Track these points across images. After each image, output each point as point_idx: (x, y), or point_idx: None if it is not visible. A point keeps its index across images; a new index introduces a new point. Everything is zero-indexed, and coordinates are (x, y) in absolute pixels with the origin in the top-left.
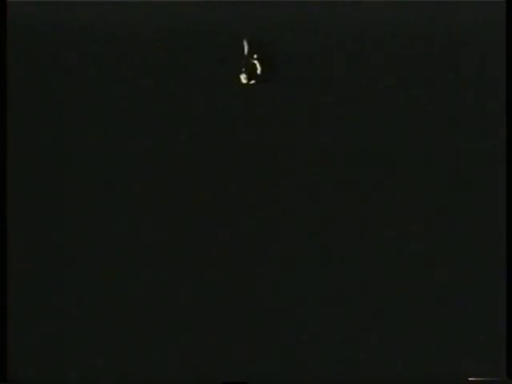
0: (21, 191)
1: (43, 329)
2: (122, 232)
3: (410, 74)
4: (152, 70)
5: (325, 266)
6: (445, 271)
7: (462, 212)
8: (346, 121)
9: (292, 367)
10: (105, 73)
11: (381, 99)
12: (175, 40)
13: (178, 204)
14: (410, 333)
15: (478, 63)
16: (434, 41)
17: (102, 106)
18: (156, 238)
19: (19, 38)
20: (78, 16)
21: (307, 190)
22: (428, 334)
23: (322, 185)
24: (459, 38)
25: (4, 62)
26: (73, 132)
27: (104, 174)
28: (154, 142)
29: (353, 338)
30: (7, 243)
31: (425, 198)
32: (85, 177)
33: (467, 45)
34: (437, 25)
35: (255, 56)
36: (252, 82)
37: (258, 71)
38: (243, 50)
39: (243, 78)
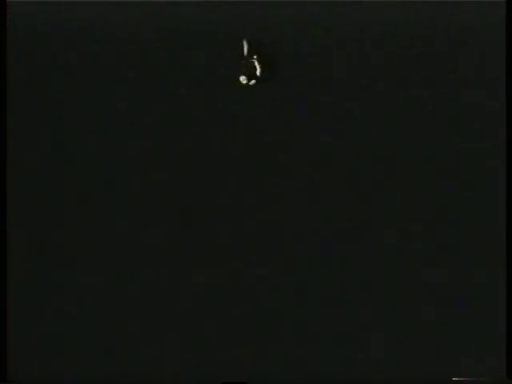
0: (21, 191)
1: (43, 329)
2: (121, 232)
3: (409, 74)
4: (152, 69)
5: (325, 266)
6: (445, 271)
7: (462, 212)
8: (346, 121)
9: (292, 367)
10: (105, 73)
11: (381, 99)
12: (175, 40)
13: (177, 204)
14: (410, 333)
15: (478, 63)
16: (433, 41)
17: (101, 106)
18: (156, 238)
19: (19, 38)
20: (78, 16)
21: (307, 189)
22: (428, 334)
23: (322, 185)
24: (459, 38)
25: (4, 61)
26: (73, 132)
27: (104, 174)
28: (154, 142)
29: (353, 337)
30: (7, 243)
31: (425, 197)
32: (85, 177)
33: (467, 45)
34: (437, 25)
35: (255, 56)
36: (252, 82)
37: (258, 72)
38: (243, 51)
39: (243, 79)
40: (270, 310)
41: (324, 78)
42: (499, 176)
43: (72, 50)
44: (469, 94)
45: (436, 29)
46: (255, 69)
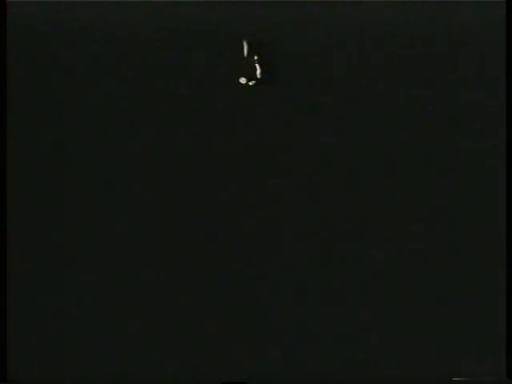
0: (21, 191)
1: (43, 329)
2: (121, 232)
3: (409, 74)
4: (152, 69)
5: (325, 266)
6: (445, 271)
7: (462, 212)
8: (346, 121)
9: (292, 367)
10: (105, 73)
11: (381, 99)
12: (175, 40)
13: (177, 204)
14: (410, 333)
15: (478, 63)
16: (433, 41)
17: (101, 106)
18: (156, 238)
19: (19, 38)
20: (78, 16)
21: (307, 189)
22: (428, 333)
23: (322, 185)
24: (459, 38)
25: (4, 62)
26: (73, 132)
27: (104, 174)
28: (154, 142)
29: (353, 337)
30: (7, 243)
31: (425, 198)
32: (85, 177)
33: (467, 45)
34: (437, 25)
35: (255, 57)
36: (251, 83)
37: (258, 72)
38: (243, 51)
39: (242, 80)
40: (269, 310)
41: (324, 78)
42: (499, 176)
43: (72, 50)
44: (469, 93)
45: (436, 29)
46: (255, 70)
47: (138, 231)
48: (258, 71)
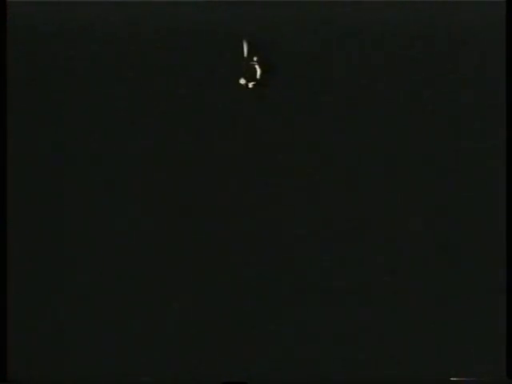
0: (21, 191)
1: (43, 329)
2: (121, 232)
3: (409, 74)
4: (152, 69)
5: (325, 266)
6: (445, 271)
7: (462, 212)
8: (346, 121)
9: (292, 367)
10: (105, 73)
11: (381, 99)
12: (175, 40)
13: (177, 204)
14: (410, 333)
15: (478, 63)
16: (433, 41)
17: (101, 106)
18: (156, 238)
19: (19, 38)
20: (78, 16)
21: (307, 190)
22: (428, 333)
23: (322, 185)
24: (459, 38)
25: (4, 62)
26: (73, 132)
27: (104, 174)
28: (154, 142)
29: (353, 337)
30: (7, 243)
31: (425, 198)
32: (85, 177)
33: (467, 45)
34: (437, 25)
35: (255, 58)
36: (251, 84)
37: (258, 73)
38: (243, 51)
39: (242, 81)
40: (269, 310)
41: (324, 78)
42: (499, 176)
43: (72, 50)
44: (469, 93)
45: (436, 29)
46: (255, 71)
47: (138, 231)
48: (258, 73)
